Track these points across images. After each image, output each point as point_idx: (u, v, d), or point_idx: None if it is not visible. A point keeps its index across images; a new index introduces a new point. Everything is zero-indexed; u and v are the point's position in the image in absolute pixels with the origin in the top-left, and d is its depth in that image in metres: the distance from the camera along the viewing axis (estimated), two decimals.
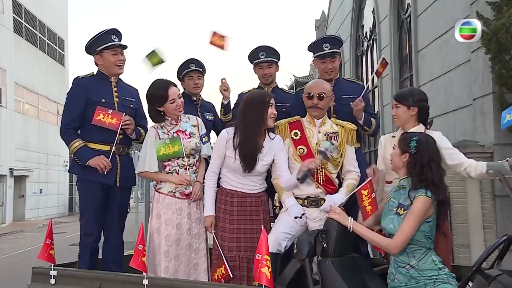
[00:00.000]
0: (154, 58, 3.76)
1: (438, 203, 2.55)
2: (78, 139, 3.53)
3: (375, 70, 3.88)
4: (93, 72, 3.72)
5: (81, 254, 3.58)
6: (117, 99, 3.63)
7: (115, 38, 3.61)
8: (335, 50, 3.74)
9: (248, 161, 3.13)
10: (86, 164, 3.48)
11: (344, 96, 3.66)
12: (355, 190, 2.59)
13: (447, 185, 2.69)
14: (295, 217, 3.08)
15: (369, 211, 2.50)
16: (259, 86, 4.04)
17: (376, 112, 10.82)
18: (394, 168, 2.76)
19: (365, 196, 2.50)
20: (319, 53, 3.75)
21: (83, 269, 3.46)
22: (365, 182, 2.53)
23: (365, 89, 3.73)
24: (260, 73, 3.98)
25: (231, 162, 3.18)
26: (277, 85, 4.08)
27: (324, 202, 3.12)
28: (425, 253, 2.53)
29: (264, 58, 3.94)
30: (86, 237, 3.58)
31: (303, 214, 3.11)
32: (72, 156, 3.59)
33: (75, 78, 3.69)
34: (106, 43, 3.57)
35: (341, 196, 3.09)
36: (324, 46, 3.74)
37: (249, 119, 3.15)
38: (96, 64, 3.69)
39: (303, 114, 3.37)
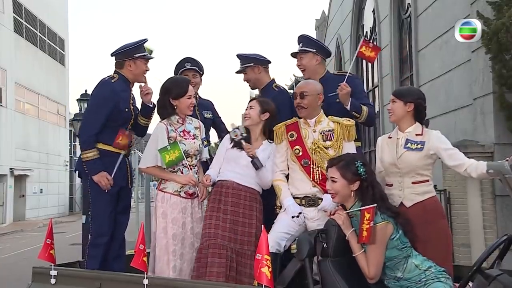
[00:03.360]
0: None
1: (392, 216, 2.54)
2: (93, 150, 3.52)
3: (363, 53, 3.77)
4: (117, 76, 3.69)
5: (90, 254, 3.56)
6: (132, 107, 3.71)
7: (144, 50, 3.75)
8: (303, 48, 3.77)
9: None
10: (91, 176, 3.52)
11: (330, 94, 3.53)
12: (360, 208, 2.57)
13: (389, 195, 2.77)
14: (292, 217, 3.09)
15: (364, 237, 2.50)
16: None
17: (376, 112, 10.81)
18: (340, 201, 2.66)
19: (366, 219, 2.49)
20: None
21: (92, 269, 3.43)
22: (371, 206, 2.51)
23: (348, 73, 3.67)
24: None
25: (229, 153, 3.35)
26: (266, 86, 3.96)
27: (321, 201, 3.11)
28: (405, 262, 2.54)
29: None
30: (100, 239, 3.56)
31: (300, 213, 3.12)
32: (83, 164, 3.57)
33: (107, 81, 3.62)
34: (142, 52, 3.69)
35: None
36: (299, 44, 3.83)
37: None
38: (117, 69, 3.69)
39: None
